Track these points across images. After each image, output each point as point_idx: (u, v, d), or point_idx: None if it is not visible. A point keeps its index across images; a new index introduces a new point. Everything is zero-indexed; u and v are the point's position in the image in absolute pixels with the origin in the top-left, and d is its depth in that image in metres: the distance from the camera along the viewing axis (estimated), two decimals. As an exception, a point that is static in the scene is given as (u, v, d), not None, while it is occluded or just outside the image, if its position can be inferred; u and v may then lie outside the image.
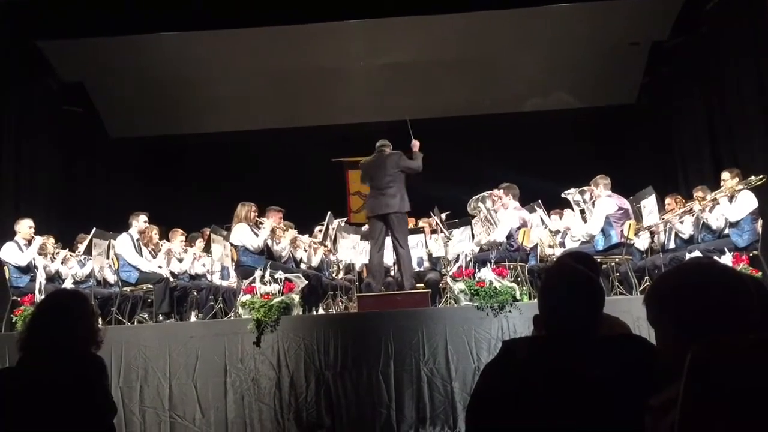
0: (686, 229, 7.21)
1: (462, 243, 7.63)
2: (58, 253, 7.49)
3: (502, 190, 7.36)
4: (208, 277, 7.94)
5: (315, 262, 8.24)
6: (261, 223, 7.31)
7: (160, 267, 7.49)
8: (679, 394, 1.26)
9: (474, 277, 6.21)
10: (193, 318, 7.12)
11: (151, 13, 8.15)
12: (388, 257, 7.46)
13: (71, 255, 7.61)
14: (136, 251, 7.21)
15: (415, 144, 6.97)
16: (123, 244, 7.17)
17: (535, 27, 9.12)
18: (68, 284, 7.40)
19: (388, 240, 6.92)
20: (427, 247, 8.21)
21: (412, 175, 6.87)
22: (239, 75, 10.24)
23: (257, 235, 7.19)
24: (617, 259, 6.94)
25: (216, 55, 9.50)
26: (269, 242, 7.30)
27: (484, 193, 7.51)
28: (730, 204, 6.65)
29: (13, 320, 6.45)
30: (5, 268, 7.02)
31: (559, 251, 7.75)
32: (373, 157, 6.98)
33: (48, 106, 9.62)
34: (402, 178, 6.76)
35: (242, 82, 10.35)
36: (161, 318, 6.88)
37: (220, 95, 10.43)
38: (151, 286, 7.05)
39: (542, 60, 10.04)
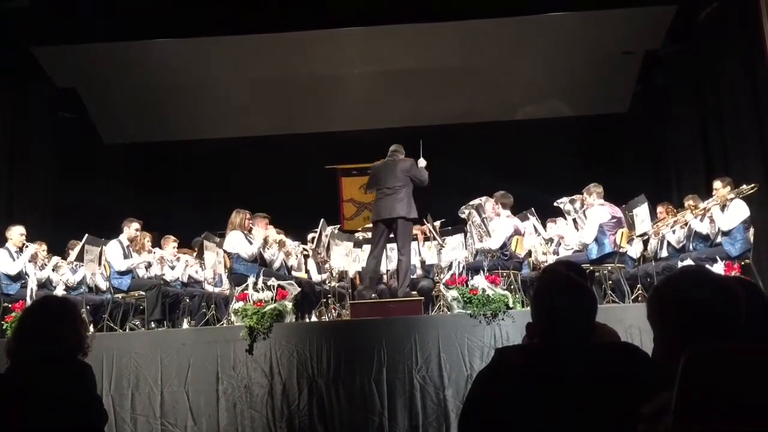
0: (678, 237, 7.21)
1: (455, 250, 7.62)
2: (48, 260, 7.44)
3: (495, 198, 7.36)
4: (202, 284, 7.91)
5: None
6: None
7: (149, 266, 7.44)
8: (671, 401, 1.26)
9: (467, 285, 6.20)
10: (185, 325, 7.08)
11: (146, 19, 8.14)
12: (383, 265, 7.44)
13: (63, 262, 7.57)
14: (124, 257, 7.16)
15: (422, 161, 6.95)
16: (111, 250, 7.13)
17: (529, 36, 9.16)
18: (59, 291, 7.36)
19: (386, 248, 6.89)
20: (420, 254, 8.19)
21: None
22: (234, 82, 10.25)
23: (251, 242, 7.16)
24: (610, 267, 6.95)
25: (210, 61, 9.50)
26: (262, 250, 7.28)
27: (478, 200, 7.47)
28: (722, 213, 6.66)
29: (4, 327, 6.40)
30: (-4, 276, 6.98)
31: (552, 259, 7.74)
32: (383, 161, 6.94)
33: (42, 111, 9.58)
34: (410, 186, 6.72)
35: (237, 89, 10.36)
36: (153, 325, 6.84)
37: (214, 102, 10.43)
38: (143, 293, 7.01)
39: (536, 68, 10.07)
